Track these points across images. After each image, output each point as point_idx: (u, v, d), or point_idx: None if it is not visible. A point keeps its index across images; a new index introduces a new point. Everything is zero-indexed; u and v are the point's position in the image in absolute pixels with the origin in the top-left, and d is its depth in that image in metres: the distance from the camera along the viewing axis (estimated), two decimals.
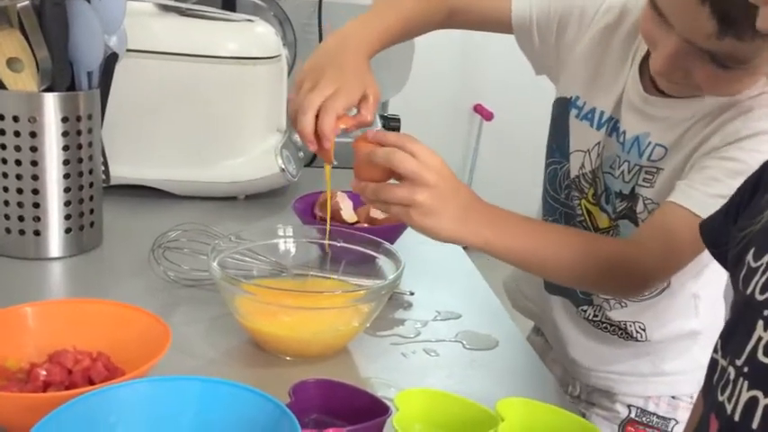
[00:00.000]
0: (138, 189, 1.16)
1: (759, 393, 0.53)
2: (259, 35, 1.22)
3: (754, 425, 0.52)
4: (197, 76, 1.15)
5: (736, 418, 0.55)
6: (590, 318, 0.96)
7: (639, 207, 0.85)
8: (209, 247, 0.80)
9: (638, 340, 0.94)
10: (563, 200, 0.95)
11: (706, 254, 0.90)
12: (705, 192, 0.75)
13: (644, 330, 0.93)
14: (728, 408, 0.56)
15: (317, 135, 0.77)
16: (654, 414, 0.96)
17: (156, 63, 1.14)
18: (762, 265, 0.56)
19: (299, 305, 0.76)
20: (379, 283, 0.78)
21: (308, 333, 0.76)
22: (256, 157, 1.20)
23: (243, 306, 0.75)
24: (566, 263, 0.78)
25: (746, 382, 0.55)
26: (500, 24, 0.95)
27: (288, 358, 0.76)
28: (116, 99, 1.04)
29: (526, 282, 1.06)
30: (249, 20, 1.24)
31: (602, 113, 0.89)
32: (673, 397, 0.96)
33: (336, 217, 0.98)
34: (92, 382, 0.63)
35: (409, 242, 1.02)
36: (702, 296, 0.93)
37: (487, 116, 3.49)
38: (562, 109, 0.94)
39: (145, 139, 1.16)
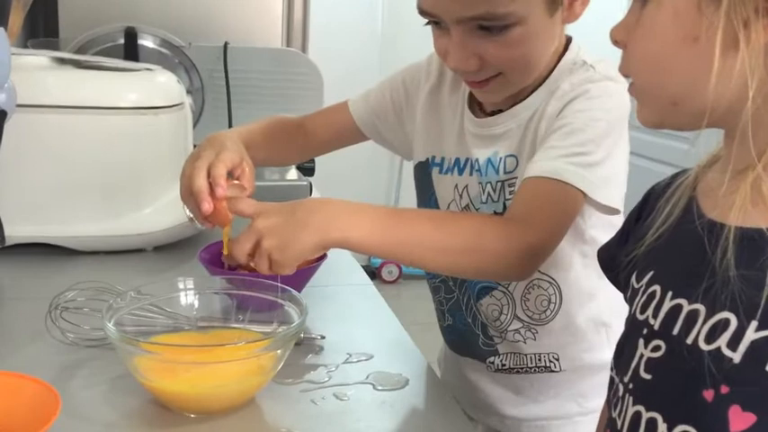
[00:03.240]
0: (39, 247, 1.12)
1: (642, 408, 0.55)
2: (160, 84, 1.21)
3: None
4: (96, 129, 1.13)
5: None
6: (500, 368, 0.97)
7: None
8: (106, 305, 0.78)
9: (552, 371, 0.95)
10: None
11: (595, 279, 0.94)
12: (546, 158, 0.79)
13: (558, 360, 0.95)
14: (618, 423, 0.58)
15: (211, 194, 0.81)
16: None
17: (53, 117, 1.11)
18: (642, 286, 0.59)
19: (200, 360, 0.75)
20: (282, 331, 0.77)
21: (210, 388, 0.74)
22: (163, 207, 1.18)
23: (141, 365, 0.73)
24: (437, 242, 0.76)
25: (632, 398, 0.57)
26: (352, 134, 1.05)
27: (192, 416, 0.74)
28: (9, 156, 1.01)
29: (444, 352, 1.08)
30: (149, 69, 1.23)
31: (457, 160, 0.94)
32: None
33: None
34: None
35: (321, 283, 1.02)
36: (613, 325, 0.95)
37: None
38: (423, 171, 0.99)
39: (43, 196, 1.13)
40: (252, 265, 0.76)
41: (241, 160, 0.88)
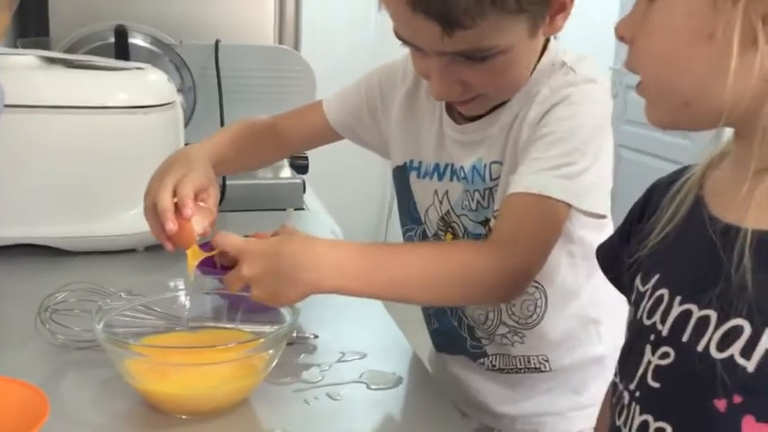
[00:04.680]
0: (28, 248, 1.11)
1: (649, 417, 0.54)
2: (150, 83, 1.20)
3: None
4: (87, 129, 1.12)
5: None
6: (490, 368, 0.97)
7: None
8: (95, 307, 0.77)
9: (542, 371, 0.94)
10: None
11: (579, 277, 0.93)
12: (530, 171, 0.78)
13: (547, 362, 0.94)
14: None
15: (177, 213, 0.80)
16: None
17: (42, 117, 1.10)
18: (648, 289, 0.57)
19: (191, 362, 0.74)
20: (273, 331, 0.76)
21: (202, 389, 0.73)
22: None
23: (131, 367, 0.73)
24: (426, 279, 0.75)
25: (638, 407, 0.55)
26: (326, 134, 1.03)
27: (183, 417, 0.73)
28: None
29: (434, 350, 1.07)
30: (139, 68, 1.22)
31: (436, 165, 0.92)
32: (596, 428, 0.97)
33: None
34: None
35: None
36: (603, 321, 0.94)
37: None
38: (401, 175, 0.97)
39: (33, 196, 1.12)
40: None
41: (209, 184, 0.86)
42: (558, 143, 0.78)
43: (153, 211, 0.82)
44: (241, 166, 1.07)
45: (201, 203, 0.84)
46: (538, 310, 0.90)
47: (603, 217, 0.80)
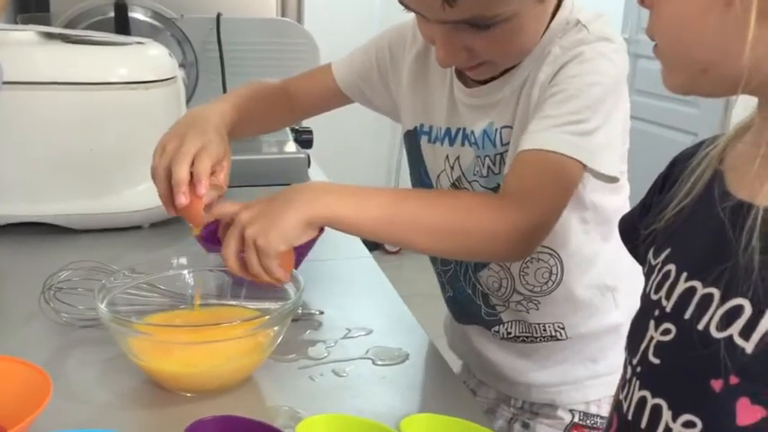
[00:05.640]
0: (32, 227, 1.11)
1: (648, 393, 0.53)
2: (151, 58, 1.18)
3: (643, 424, 0.53)
4: (87, 105, 1.11)
5: (629, 417, 0.55)
6: (506, 336, 0.96)
7: None
8: (98, 285, 0.76)
9: (558, 339, 0.94)
10: None
11: (595, 244, 0.91)
12: (540, 128, 0.76)
13: (563, 329, 0.93)
14: (624, 406, 0.56)
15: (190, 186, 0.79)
16: (597, 416, 0.96)
17: (42, 94, 1.09)
18: (658, 263, 0.56)
19: (195, 340, 0.73)
20: (278, 307, 0.75)
21: (207, 367, 0.73)
22: None
23: (135, 346, 0.72)
24: (427, 222, 0.72)
25: (638, 382, 0.55)
26: (335, 97, 1.02)
27: (188, 395, 0.73)
28: None
29: (450, 319, 1.06)
30: (140, 42, 1.20)
31: (448, 129, 0.91)
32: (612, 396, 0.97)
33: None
34: None
35: (319, 258, 1.00)
36: (620, 288, 0.93)
37: None
38: (412, 139, 0.96)
39: (36, 174, 1.11)
40: (243, 272, 0.73)
41: (224, 155, 0.85)
42: (569, 101, 0.77)
43: (165, 175, 0.81)
44: (255, 130, 1.05)
45: (214, 178, 0.83)
46: (553, 276, 0.89)
47: (615, 180, 0.77)
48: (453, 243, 0.74)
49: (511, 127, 0.85)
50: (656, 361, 0.53)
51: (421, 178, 0.96)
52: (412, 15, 0.82)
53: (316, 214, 0.71)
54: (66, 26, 1.46)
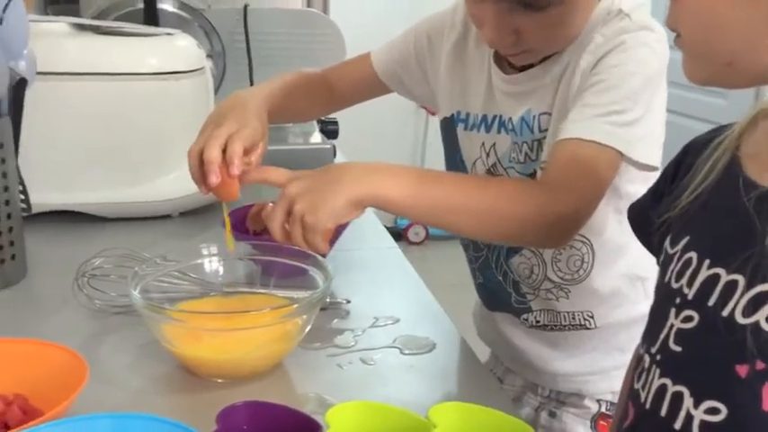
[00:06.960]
0: (65, 215, 1.13)
1: (668, 381, 0.53)
2: (180, 48, 1.20)
3: (663, 412, 0.53)
4: (118, 95, 1.12)
5: (648, 406, 0.55)
6: (534, 324, 0.96)
7: None
8: (131, 273, 0.78)
9: (587, 328, 0.94)
10: None
11: (627, 234, 0.91)
12: (581, 117, 0.76)
13: (592, 318, 0.93)
14: (642, 396, 0.56)
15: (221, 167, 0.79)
16: None
17: (74, 84, 1.11)
18: (677, 252, 0.56)
19: (226, 327, 0.75)
20: (307, 296, 0.76)
21: (237, 354, 0.74)
22: (187, 172, 1.17)
23: (168, 332, 0.73)
24: (470, 206, 0.74)
25: (658, 370, 0.55)
26: (374, 86, 1.03)
27: (219, 381, 0.74)
28: (32, 124, 1.01)
29: (479, 307, 1.06)
30: (169, 33, 1.22)
31: (484, 116, 0.91)
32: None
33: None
34: (7, 428, 0.61)
35: (346, 248, 1.01)
36: (650, 278, 0.92)
37: (432, 110, 3.50)
38: (448, 127, 0.96)
39: (68, 163, 1.13)
40: (288, 241, 0.73)
41: (261, 139, 0.85)
42: (610, 90, 0.77)
43: (197, 156, 0.82)
44: (294, 116, 1.07)
45: (246, 159, 0.83)
46: (585, 265, 0.89)
47: (655, 169, 0.77)
48: (497, 228, 0.75)
49: (549, 114, 0.85)
50: (678, 348, 0.53)
51: (456, 165, 0.96)
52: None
53: (366, 194, 0.72)
54: (96, 17, 1.48)
